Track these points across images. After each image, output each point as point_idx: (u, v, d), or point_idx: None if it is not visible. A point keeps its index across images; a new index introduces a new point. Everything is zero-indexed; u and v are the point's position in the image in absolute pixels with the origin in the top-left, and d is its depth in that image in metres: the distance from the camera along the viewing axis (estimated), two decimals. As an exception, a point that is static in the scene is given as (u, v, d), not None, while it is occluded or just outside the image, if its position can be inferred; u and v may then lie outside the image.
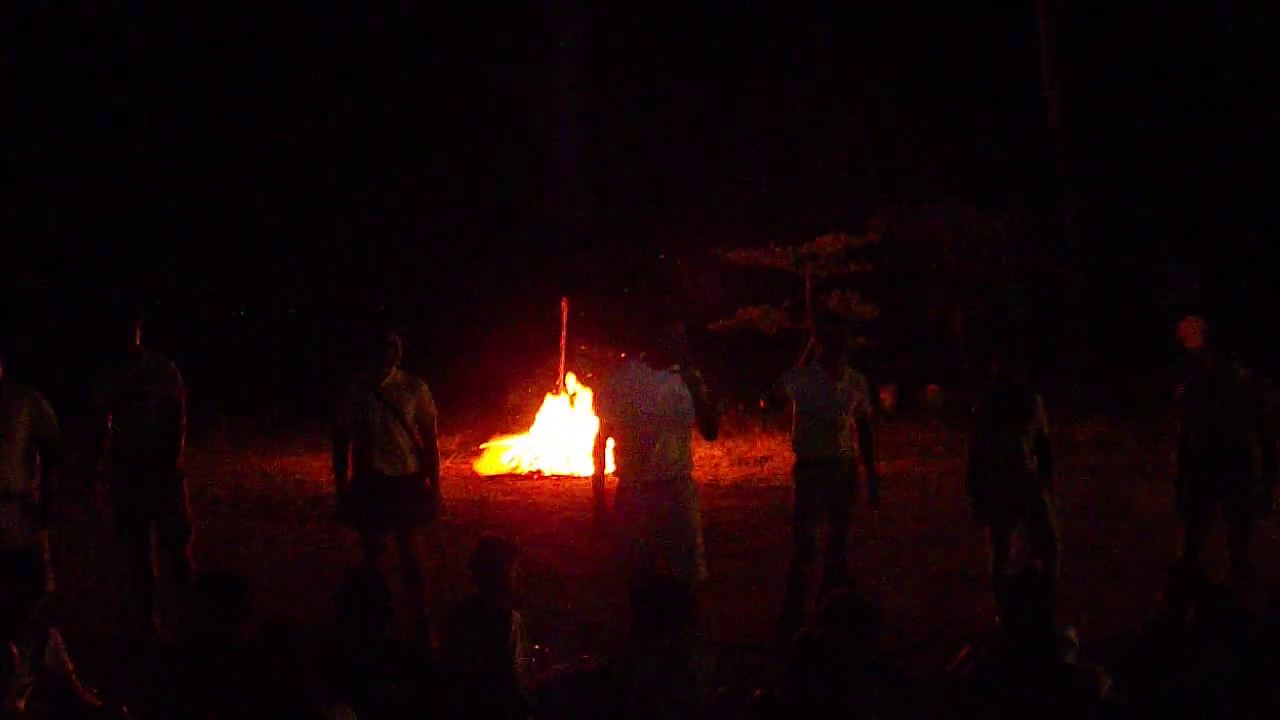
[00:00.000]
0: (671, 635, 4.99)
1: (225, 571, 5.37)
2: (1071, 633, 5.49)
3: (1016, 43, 20.43)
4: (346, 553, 7.97)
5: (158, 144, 20.61)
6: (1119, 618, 6.66)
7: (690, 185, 21.78)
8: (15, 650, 4.90)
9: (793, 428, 6.98)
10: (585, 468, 12.21)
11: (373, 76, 21.21)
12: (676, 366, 5.87)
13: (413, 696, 4.91)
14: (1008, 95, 20.39)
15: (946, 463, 12.78)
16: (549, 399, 14.24)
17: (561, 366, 14.50)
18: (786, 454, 9.57)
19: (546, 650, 5.68)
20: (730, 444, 14.36)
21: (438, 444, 7.04)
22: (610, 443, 6.10)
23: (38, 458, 6.47)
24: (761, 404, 16.17)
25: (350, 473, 6.88)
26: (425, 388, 6.91)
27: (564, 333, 14.71)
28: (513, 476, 13.00)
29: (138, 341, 6.91)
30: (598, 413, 6.17)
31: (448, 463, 12.11)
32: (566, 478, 12.75)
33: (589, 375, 14.26)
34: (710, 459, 13.16)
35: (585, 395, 13.98)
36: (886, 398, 17.35)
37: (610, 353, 16.35)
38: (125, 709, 5.11)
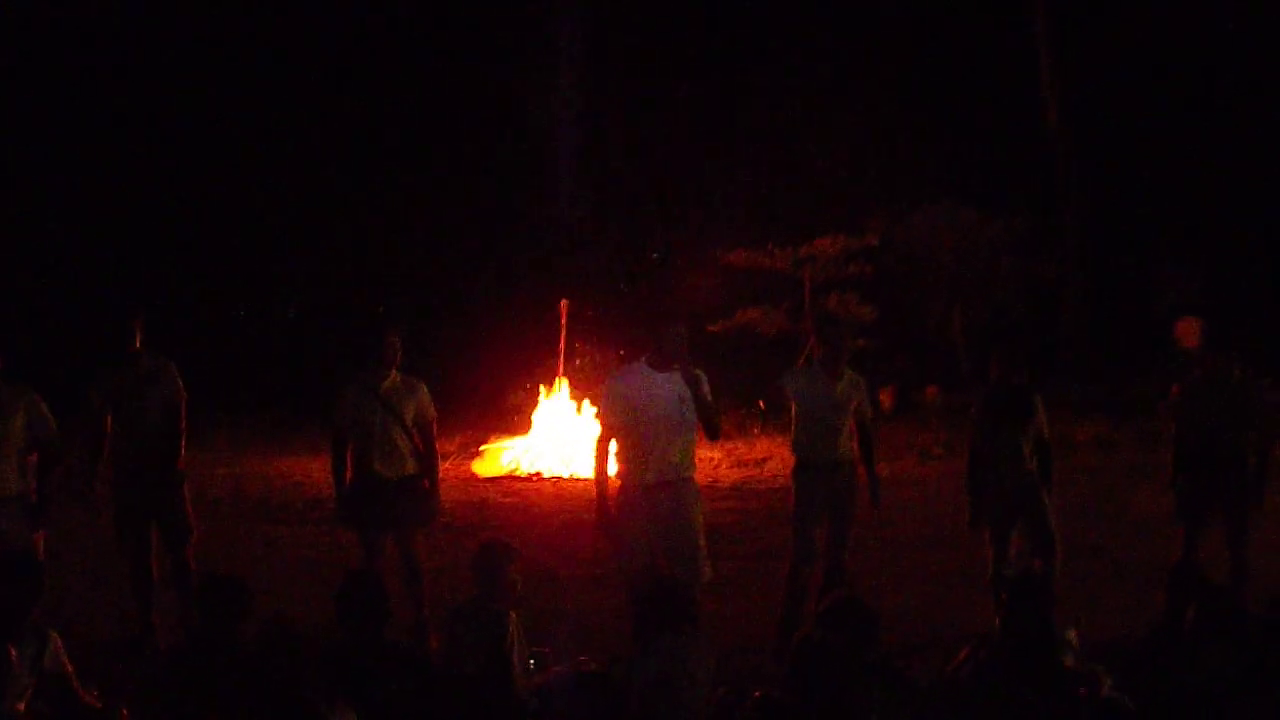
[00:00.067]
0: (672, 636, 4.99)
1: (225, 573, 5.35)
2: (1071, 633, 5.49)
3: (1016, 43, 20.45)
4: (346, 554, 7.96)
5: (158, 144, 20.60)
6: (1119, 618, 6.66)
7: (690, 185, 21.80)
8: (15, 652, 4.89)
9: (792, 430, 6.99)
10: (585, 469, 12.21)
11: (373, 76, 21.20)
12: (677, 367, 5.87)
13: (412, 698, 4.90)
14: (1007, 96, 20.41)
15: (946, 464, 12.77)
16: (542, 397, 14.22)
17: (561, 367, 14.49)
18: (786, 456, 9.56)
19: (546, 652, 5.68)
20: (730, 446, 14.34)
21: (437, 446, 7.06)
22: (613, 445, 6.10)
23: (35, 459, 6.46)
24: (761, 404, 16.16)
25: (349, 474, 6.89)
26: (424, 389, 6.93)
27: (564, 333, 14.70)
28: (512, 478, 12.97)
29: (138, 343, 6.89)
30: (600, 414, 6.17)
31: (447, 464, 12.09)
32: (566, 480, 12.74)
33: (588, 376, 14.24)
34: (710, 461, 13.14)
35: (573, 396, 13.99)
36: (886, 399, 17.31)
37: (610, 353, 16.35)
38: (125, 711, 5.10)
